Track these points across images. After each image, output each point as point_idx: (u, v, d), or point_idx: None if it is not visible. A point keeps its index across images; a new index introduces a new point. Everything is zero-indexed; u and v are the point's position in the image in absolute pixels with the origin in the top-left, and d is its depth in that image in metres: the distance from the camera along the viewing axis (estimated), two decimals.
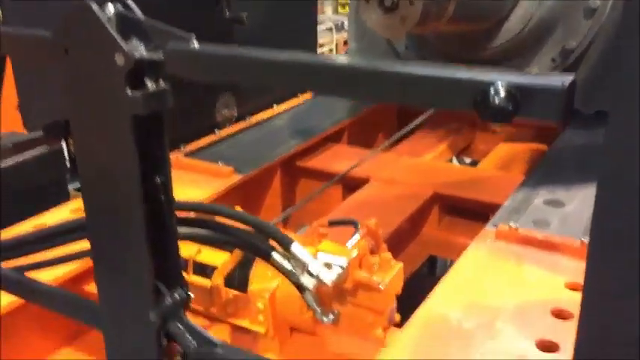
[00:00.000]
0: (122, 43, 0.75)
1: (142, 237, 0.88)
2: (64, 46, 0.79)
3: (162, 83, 0.81)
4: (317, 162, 2.29)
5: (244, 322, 1.33)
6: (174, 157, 2.05)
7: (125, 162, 0.84)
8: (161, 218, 0.91)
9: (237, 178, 1.96)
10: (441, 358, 1.14)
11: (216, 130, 2.30)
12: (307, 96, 2.77)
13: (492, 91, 0.54)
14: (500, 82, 0.55)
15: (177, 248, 0.96)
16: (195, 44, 0.73)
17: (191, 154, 2.12)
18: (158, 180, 0.89)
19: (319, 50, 6.89)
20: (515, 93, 0.54)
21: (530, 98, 0.54)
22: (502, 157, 2.50)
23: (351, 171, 2.11)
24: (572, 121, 2.32)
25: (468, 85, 0.57)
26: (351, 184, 2.16)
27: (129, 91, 0.78)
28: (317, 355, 1.39)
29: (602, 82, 2.28)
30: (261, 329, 1.31)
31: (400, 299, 1.32)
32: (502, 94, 0.54)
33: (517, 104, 0.54)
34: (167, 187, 0.91)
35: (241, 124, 2.41)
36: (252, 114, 2.48)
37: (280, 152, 2.18)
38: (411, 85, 0.61)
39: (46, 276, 1.30)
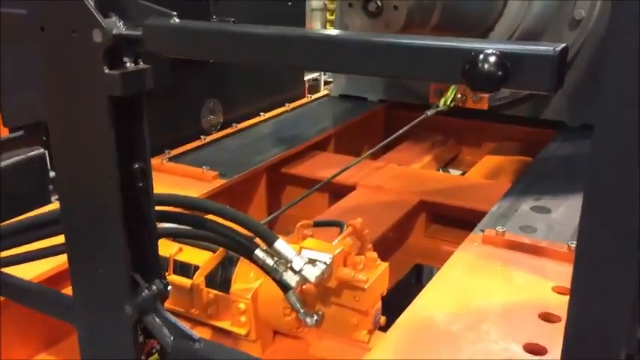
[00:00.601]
0: (100, 18, 0.72)
1: (118, 225, 0.85)
2: (39, 23, 0.77)
3: (141, 63, 0.78)
4: (303, 169, 2.27)
5: (225, 324, 1.29)
6: (158, 161, 2.02)
7: (101, 146, 0.81)
8: (139, 207, 0.88)
9: (221, 182, 1.93)
10: None
11: (202, 136, 2.28)
12: (295, 104, 2.75)
13: (481, 58, 0.52)
14: (489, 50, 0.53)
15: (155, 239, 0.92)
16: (176, 20, 0.71)
17: (175, 159, 2.08)
18: (136, 166, 0.86)
19: None
20: (505, 60, 0.52)
21: (520, 65, 0.52)
22: (489, 168, 2.49)
23: (338, 178, 2.08)
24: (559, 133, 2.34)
25: (457, 54, 0.55)
26: (337, 191, 2.14)
27: (106, 70, 0.75)
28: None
29: (588, 94, 2.29)
30: (242, 331, 1.27)
31: (386, 309, 1.29)
32: (491, 60, 0.52)
33: (506, 71, 0.52)
34: (146, 174, 0.88)
35: (227, 131, 2.39)
36: (239, 121, 2.45)
37: (266, 158, 2.16)
38: (399, 55, 0.59)
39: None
